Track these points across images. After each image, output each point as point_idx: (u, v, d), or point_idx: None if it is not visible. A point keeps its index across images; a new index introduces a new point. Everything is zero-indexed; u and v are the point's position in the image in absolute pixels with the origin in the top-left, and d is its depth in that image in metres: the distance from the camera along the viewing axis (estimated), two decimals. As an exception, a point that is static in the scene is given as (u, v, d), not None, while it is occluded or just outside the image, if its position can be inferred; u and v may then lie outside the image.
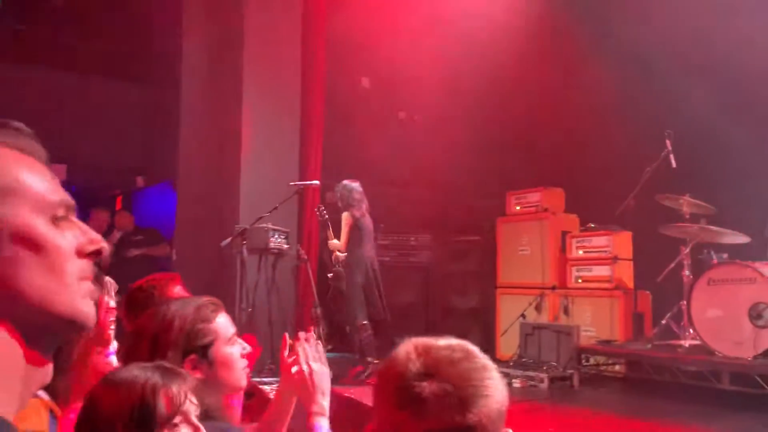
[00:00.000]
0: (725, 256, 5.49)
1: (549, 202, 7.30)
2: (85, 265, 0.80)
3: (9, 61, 7.29)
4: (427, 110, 9.24)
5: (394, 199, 8.37)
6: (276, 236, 6.07)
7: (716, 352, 5.11)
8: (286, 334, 1.89)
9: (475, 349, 1.09)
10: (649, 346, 5.75)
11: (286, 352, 1.80)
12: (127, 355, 1.65)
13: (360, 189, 6.22)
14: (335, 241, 6.13)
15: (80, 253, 0.79)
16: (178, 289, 2.17)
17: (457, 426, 1.00)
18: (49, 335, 0.78)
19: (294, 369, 1.75)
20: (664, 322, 5.83)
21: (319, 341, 1.82)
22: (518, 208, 7.59)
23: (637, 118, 7.00)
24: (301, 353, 1.73)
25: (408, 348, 1.07)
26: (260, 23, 7.08)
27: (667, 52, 6.57)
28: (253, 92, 6.95)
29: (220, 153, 7.17)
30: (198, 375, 1.61)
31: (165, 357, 1.57)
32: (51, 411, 1.86)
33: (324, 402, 1.72)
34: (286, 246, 6.14)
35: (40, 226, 0.76)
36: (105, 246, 0.81)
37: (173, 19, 7.40)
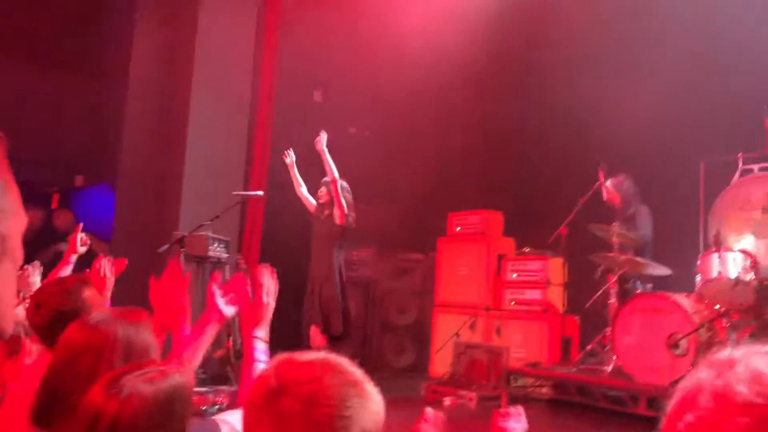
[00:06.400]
0: (649, 286, 5.72)
1: (487, 224, 7.45)
2: None
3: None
4: (377, 126, 9.33)
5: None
6: (216, 244, 6.02)
7: (635, 378, 5.31)
8: (219, 273, 2.25)
9: (343, 365, 1.06)
10: (575, 369, 5.93)
11: (215, 287, 2.00)
12: (64, 366, 1.55)
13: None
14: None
15: None
16: (91, 291, 2.13)
17: None
18: None
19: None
20: (589, 347, 6.02)
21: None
22: (459, 229, 7.73)
23: (576, 145, 7.22)
24: (265, 284, 1.91)
25: (273, 363, 1.06)
26: (213, 28, 7.05)
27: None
28: (201, 97, 6.92)
29: (163, 156, 7.09)
30: None
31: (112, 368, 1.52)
32: None
33: (265, 330, 1.89)
34: (225, 255, 6.09)
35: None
36: None
37: (125, 13, 7.29)
